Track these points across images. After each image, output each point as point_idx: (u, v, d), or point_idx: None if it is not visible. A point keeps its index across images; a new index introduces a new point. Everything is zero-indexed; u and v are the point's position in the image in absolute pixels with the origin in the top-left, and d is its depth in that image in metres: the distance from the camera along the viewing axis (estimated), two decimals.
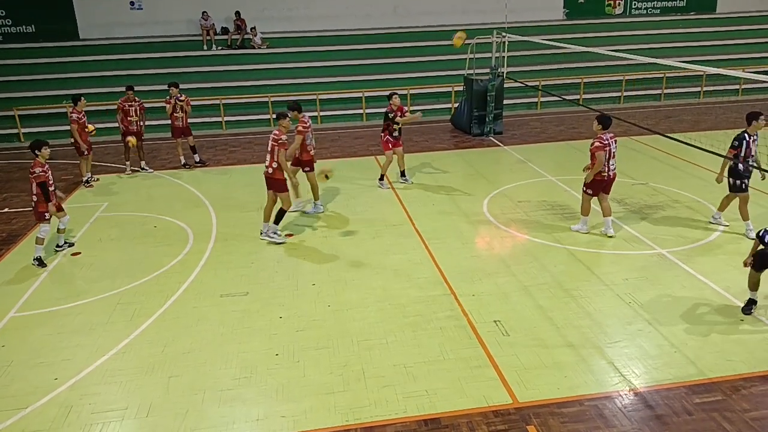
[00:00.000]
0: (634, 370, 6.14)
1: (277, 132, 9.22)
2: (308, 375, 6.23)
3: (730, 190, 9.28)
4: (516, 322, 7.08)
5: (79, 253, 9.47)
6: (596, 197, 9.34)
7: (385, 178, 12.28)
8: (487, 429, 5.38)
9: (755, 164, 8.98)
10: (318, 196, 10.88)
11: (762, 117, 8.88)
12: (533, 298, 7.63)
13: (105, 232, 10.25)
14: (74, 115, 12.59)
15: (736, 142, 8.91)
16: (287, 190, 9.47)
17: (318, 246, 9.46)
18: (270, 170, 9.34)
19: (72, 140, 12.79)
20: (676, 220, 9.98)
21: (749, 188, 9.16)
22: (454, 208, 10.92)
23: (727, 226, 9.57)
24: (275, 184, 9.39)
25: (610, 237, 9.30)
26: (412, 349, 6.60)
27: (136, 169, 13.96)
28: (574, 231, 9.57)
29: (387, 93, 19.44)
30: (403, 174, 12.47)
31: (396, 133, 11.87)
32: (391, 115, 11.75)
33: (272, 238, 9.62)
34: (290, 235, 9.92)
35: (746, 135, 8.89)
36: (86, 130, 12.81)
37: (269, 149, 9.28)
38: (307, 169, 10.65)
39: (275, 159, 9.20)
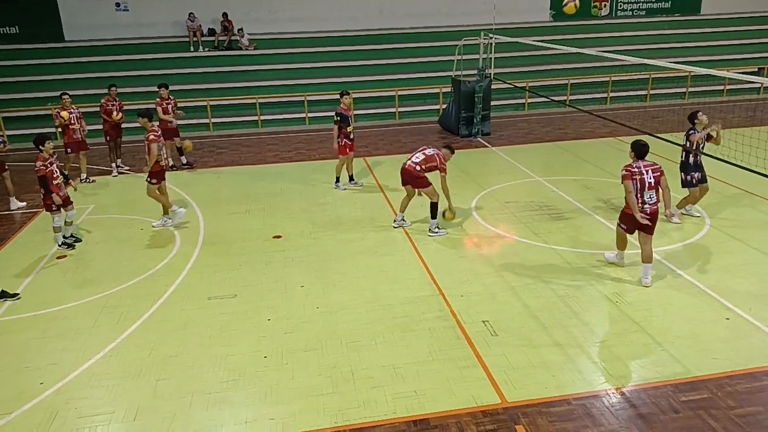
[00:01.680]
0: (621, 369, 6.18)
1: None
2: (297, 377, 6.21)
3: (682, 186, 9.75)
4: (504, 322, 7.10)
5: (65, 256, 9.38)
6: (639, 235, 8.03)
7: (340, 180, 12.33)
8: (476, 429, 5.40)
9: (701, 153, 9.35)
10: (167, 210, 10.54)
11: (699, 113, 9.45)
12: (521, 298, 7.66)
13: (91, 235, 10.16)
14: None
15: (692, 131, 9.42)
16: (429, 185, 9.69)
17: (306, 248, 9.44)
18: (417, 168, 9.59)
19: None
20: (661, 220, 10.03)
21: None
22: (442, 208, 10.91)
23: (698, 216, 9.90)
24: (416, 181, 9.68)
25: (646, 287, 7.87)
26: (401, 350, 6.60)
27: (123, 171, 13.87)
28: (607, 260, 8.53)
29: (375, 95, 19.60)
30: (351, 178, 12.48)
31: (351, 137, 12.00)
32: (338, 118, 11.88)
33: (436, 233, 9.75)
34: (278, 237, 9.90)
35: (694, 130, 9.40)
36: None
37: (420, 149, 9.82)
38: (154, 181, 10.19)
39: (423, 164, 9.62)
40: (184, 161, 14.25)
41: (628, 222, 7.90)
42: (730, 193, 11.02)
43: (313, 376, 6.21)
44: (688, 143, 9.46)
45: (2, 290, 8.06)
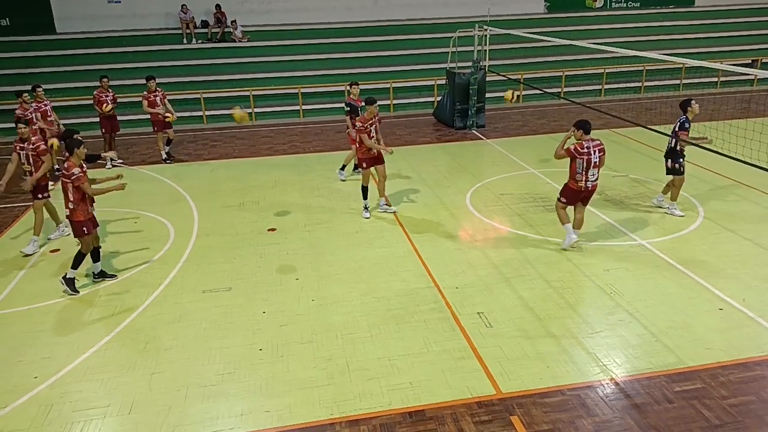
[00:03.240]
0: (616, 360, 6.21)
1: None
2: (292, 369, 6.21)
3: (667, 173, 9.75)
4: (499, 313, 7.12)
5: (58, 249, 9.33)
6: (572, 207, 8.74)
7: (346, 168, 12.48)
8: (471, 420, 5.42)
9: (689, 142, 9.36)
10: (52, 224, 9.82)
11: (693, 102, 9.40)
12: (515, 289, 7.68)
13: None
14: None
15: (687, 125, 9.39)
16: (366, 168, 10.04)
17: (301, 240, 9.43)
18: None
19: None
20: (655, 211, 10.09)
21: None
22: (437, 201, 10.93)
23: (681, 216, 9.83)
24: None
25: (563, 250, 8.67)
26: (396, 342, 6.61)
27: (117, 164, 13.81)
28: (565, 248, 8.71)
29: (369, 86, 19.52)
30: (356, 167, 12.46)
31: None
32: (347, 108, 11.93)
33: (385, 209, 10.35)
34: (273, 229, 9.88)
35: (687, 120, 9.41)
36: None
37: None
38: (41, 195, 9.25)
39: None
40: (167, 152, 14.21)
41: (568, 196, 8.56)
42: (723, 184, 11.06)
43: (309, 369, 6.21)
44: (678, 133, 9.42)
45: (102, 270, 8.22)
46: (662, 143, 10.50)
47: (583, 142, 8.32)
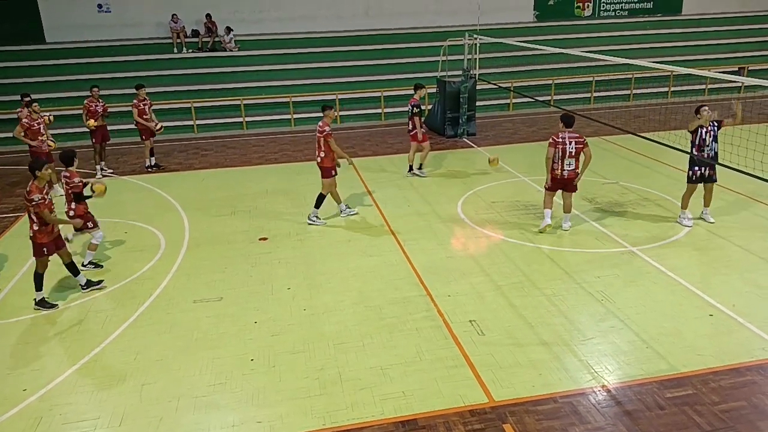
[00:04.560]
0: (607, 367, 6.23)
1: (320, 124, 10.06)
2: (284, 379, 6.18)
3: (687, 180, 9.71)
4: (491, 321, 7.13)
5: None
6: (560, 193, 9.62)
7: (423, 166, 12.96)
8: (464, 428, 5.41)
9: (711, 154, 9.30)
10: None
11: (704, 108, 9.31)
12: (507, 297, 7.69)
13: (74, 239, 10.03)
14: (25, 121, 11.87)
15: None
16: (329, 176, 10.26)
17: (293, 249, 9.41)
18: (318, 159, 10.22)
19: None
20: (646, 218, 10.15)
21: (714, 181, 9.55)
22: (428, 209, 10.95)
23: (689, 226, 9.82)
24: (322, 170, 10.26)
25: (564, 230, 9.67)
26: (389, 351, 6.60)
27: (107, 174, 13.76)
28: (540, 230, 9.58)
29: (359, 96, 19.57)
30: (421, 167, 13.04)
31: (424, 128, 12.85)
32: (417, 110, 12.46)
33: (313, 221, 10.38)
34: (264, 239, 9.85)
35: (700, 126, 9.32)
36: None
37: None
38: None
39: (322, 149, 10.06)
40: (152, 162, 14.20)
41: (550, 183, 9.47)
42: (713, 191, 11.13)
43: (301, 379, 6.18)
44: (701, 138, 9.30)
45: (88, 279, 8.22)
46: (652, 150, 10.59)
47: (560, 133, 9.24)
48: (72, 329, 7.26)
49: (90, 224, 8.75)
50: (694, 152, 9.31)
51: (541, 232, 9.58)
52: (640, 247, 9.03)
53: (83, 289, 8.16)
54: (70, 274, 8.11)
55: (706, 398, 5.72)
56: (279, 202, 11.66)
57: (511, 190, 11.87)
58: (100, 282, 8.31)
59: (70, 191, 8.56)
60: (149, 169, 14.02)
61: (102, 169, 13.84)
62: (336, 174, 10.38)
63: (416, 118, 12.46)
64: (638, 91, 21.07)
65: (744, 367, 6.15)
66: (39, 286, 7.77)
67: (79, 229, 8.70)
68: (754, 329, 6.80)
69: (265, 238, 9.87)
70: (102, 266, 8.92)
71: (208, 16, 20.60)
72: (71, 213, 8.52)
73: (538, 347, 6.60)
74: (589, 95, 20.78)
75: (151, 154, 14.20)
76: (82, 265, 8.69)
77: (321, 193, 10.37)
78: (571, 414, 5.56)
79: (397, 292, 7.90)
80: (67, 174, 8.54)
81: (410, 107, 12.60)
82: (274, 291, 8.08)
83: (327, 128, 10.01)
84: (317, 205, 10.39)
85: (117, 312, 7.63)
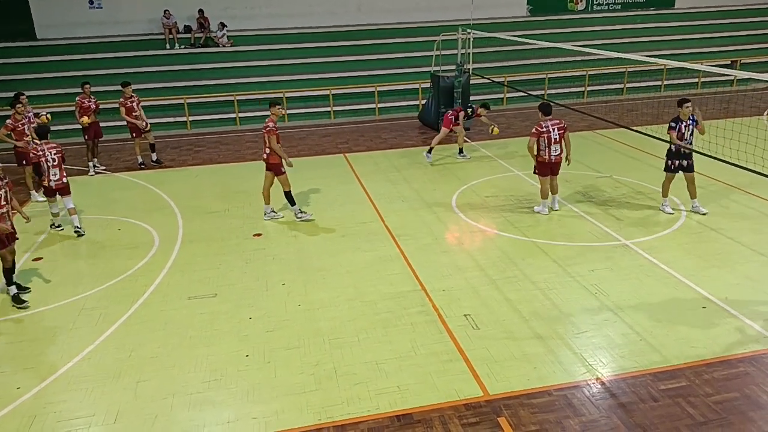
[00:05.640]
0: (601, 360, 6.26)
1: (267, 120, 9.94)
2: (279, 375, 6.18)
3: (663, 169, 9.91)
4: (485, 315, 7.15)
5: (41, 258, 9.22)
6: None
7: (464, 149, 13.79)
8: (459, 422, 5.43)
9: (688, 148, 9.45)
10: None
11: (687, 104, 9.41)
12: (502, 291, 7.71)
13: (68, 236, 10.00)
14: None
15: (673, 123, 9.48)
16: (283, 173, 10.07)
17: (287, 245, 9.40)
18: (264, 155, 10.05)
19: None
20: (639, 212, 10.19)
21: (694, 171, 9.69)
22: (423, 204, 10.96)
23: (671, 213, 9.97)
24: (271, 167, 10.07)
25: (555, 210, 10.23)
26: (384, 346, 6.61)
27: (100, 171, 13.69)
28: (536, 212, 10.21)
29: (352, 91, 19.53)
30: (461, 151, 13.87)
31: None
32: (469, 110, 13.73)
33: (301, 217, 10.29)
34: (258, 234, 9.84)
35: (679, 119, 9.46)
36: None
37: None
38: None
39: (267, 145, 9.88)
40: (154, 159, 14.16)
41: (541, 168, 9.96)
42: (705, 183, 11.18)
43: (296, 374, 6.19)
44: (670, 132, 9.50)
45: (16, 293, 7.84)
46: (645, 144, 10.62)
47: (542, 123, 9.68)
48: (66, 327, 7.23)
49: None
50: (677, 143, 9.50)
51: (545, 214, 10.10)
52: (633, 240, 9.06)
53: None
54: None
55: (699, 390, 5.75)
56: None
57: (506, 184, 11.89)
58: (24, 302, 7.80)
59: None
60: (142, 166, 13.95)
61: (95, 166, 13.78)
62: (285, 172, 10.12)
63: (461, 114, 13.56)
64: (631, 85, 21.11)
65: (737, 359, 6.19)
66: (8, 281, 7.78)
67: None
68: (747, 321, 6.84)
69: (259, 234, 9.85)
70: (29, 289, 8.18)
71: (201, 11, 20.48)
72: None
73: (532, 341, 6.62)
74: (582, 89, 20.80)
75: (153, 150, 14.16)
76: (76, 227, 9.73)
77: (285, 191, 10.21)
78: (565, 407, 5.59)
79: (392, 287, 7.90)
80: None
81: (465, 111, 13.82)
82: (268, 287, 8.07)
83: (271, 124, 9.80)
84: (292, 203, 10.29)
85: (111, 309, 7.61)
